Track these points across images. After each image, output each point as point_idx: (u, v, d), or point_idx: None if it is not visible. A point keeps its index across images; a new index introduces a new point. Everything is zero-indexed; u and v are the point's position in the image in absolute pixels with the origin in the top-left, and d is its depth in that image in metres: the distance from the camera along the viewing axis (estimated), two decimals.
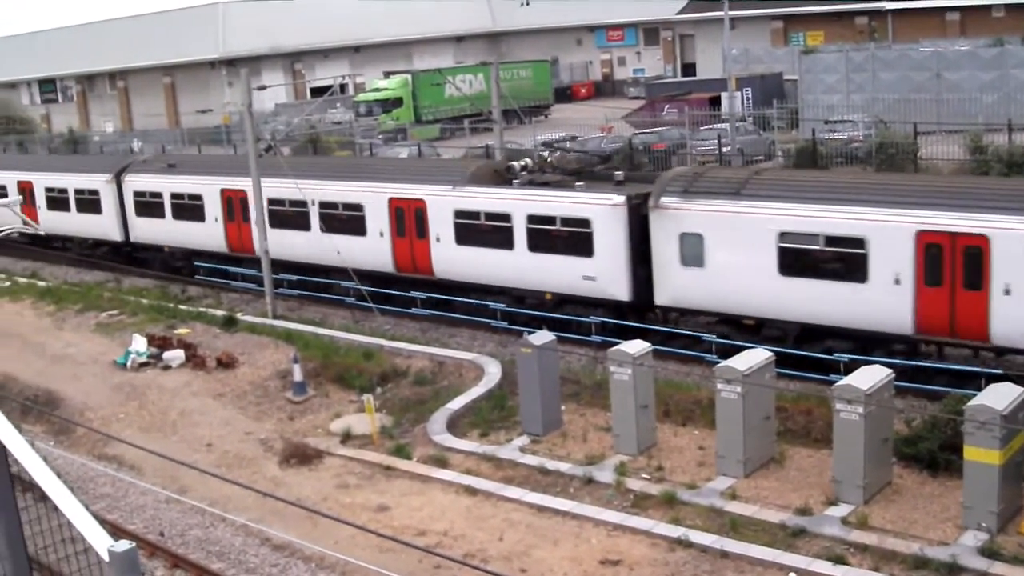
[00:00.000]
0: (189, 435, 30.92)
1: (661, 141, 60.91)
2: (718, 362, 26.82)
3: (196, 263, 48.64)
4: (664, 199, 33.09)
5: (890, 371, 23.35)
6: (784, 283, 30.71)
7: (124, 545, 6.47)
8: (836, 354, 29.41)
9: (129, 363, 36.43)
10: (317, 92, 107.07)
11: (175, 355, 36.40)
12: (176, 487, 26.80)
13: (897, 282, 28.43)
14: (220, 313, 41.05)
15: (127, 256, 52.37)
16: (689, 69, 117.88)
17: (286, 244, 42.94)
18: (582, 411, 29.40)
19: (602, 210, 34.79)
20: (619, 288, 34.66)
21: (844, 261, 29.43)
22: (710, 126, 63.04)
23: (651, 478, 25.02)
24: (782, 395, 26.94)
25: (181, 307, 42.80)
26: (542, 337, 28.31)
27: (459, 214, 38.38)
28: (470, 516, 24.28)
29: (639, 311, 34.93)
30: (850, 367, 26.72)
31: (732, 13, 63.55)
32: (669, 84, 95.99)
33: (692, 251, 32.47)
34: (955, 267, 27.56)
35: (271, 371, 34.67)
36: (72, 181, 55.37)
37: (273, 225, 42.23)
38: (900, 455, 24.06)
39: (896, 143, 51.10)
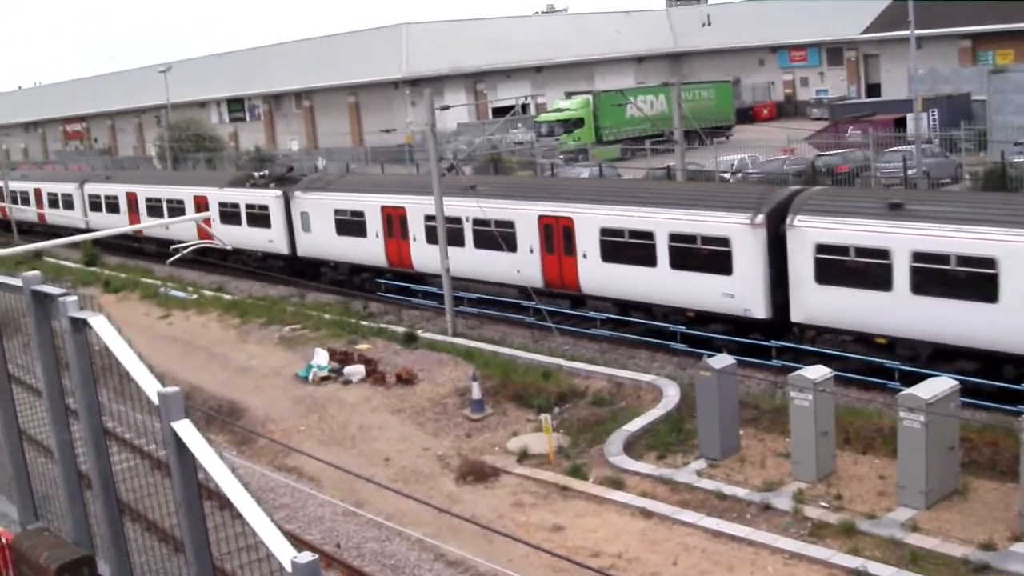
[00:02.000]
0: (368, 449, 31.29)
1: (845, 163, 60.10)
2: (901, 389, 26.30)
3: (378, 279, 49.53)
4: (296, 192, 55.14)
5: None
6: (340, 240, 51.91)
7: (307, 557, 6.55)
8: None
9: (311, 377, 37.02)
10: (499, 112, 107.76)
11: (356, 370, 36.87)
12: (354, 500, 27.14)
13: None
14: (401, 330, 41.50)
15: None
16: (874, 90, 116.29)
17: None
18: (760, 436, 29.06)
19: (271, 199, 56.48)
20: (284, 247, 56.07)
21: (356, 226, 50.56)
22: (895, 148, 62.00)
23: (830, 506, 24.62)
24: (967, 425, 26.26)
25: (363, 323, 43.37)
26: (722, 360, 28.05)
27: (221, 204, 59.82)
28: (645, 539, 24.15)
29: (294, 260, 55.82)
30: None
31: (919, 32, 62.47)
32: (853, 105, 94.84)
33: (306, 223, 54.32)
34: None
35: (450, 388, 34.90)
36: (54, 188, 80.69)
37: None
38: None
39: None
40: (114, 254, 70.02)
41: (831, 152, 65.07)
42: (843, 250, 32.45)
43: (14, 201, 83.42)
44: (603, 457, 28.74)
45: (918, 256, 30.66)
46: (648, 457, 28.67)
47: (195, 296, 51.98)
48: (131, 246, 69.67)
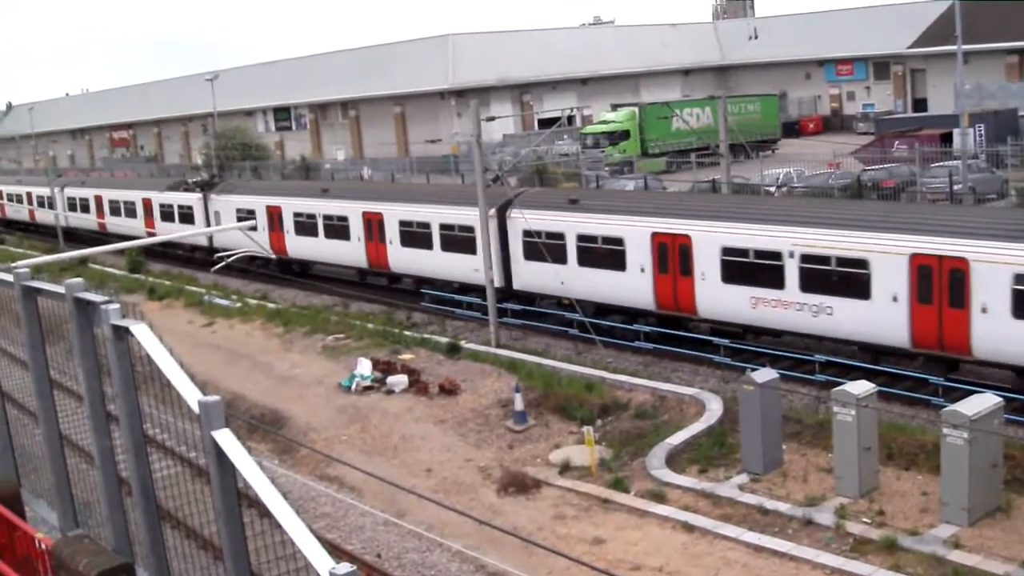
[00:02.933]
0: (410, 460, 31.29)
1: (890, 178, 59.80)
2: (944, 406, 26.12)
3: (422, 290, 49.85)
4: (212, 195, 66.22)
5: None
6: (240, 233, 56.12)
7: (345, 568, 6.55)
8: None
9: (353, 386, 37.07)
10: (545, 123, 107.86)
11: (399, 380, 36.89)
12: (395, 510, 27.14)
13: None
14: (444, 340, 41.48)
15: (67, 233, 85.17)
16: (920, 104, 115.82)
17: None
18: (803, 451, 28.91)
19: (194, 200, 67.64)
20: (203, 239, 64.50)
21: (252, 219, 59.88)
22: (941, 163, 61.68)
23: (872, 522, 24.46)
24: (1011, 442, 26.05)
25: (406, 333, 43.39)
26: (765, 375, 27.94)
27: (161, 205, 72.05)
28: (686, 553, 24.05)
29: (212, 251, 59.93)
30: None
31: (966, 47, 62.17)
32: (899, 120, 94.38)
33: (219, 220, 63.80)
34: None
35: (492, 399, 34.87)
36: (41, 191, 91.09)
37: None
38: None
39: None
40: (158, 261, 72.45)
41: (877, 167, 64.75)
42: (538, 234, 42.76)
43: (9, 201, 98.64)
44: (645, 470, 28.65)
45: (581, 237, 41.50)
46: (690, 471, 28.56)
47: (239, 304, 52.15)
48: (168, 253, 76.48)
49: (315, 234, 57.25)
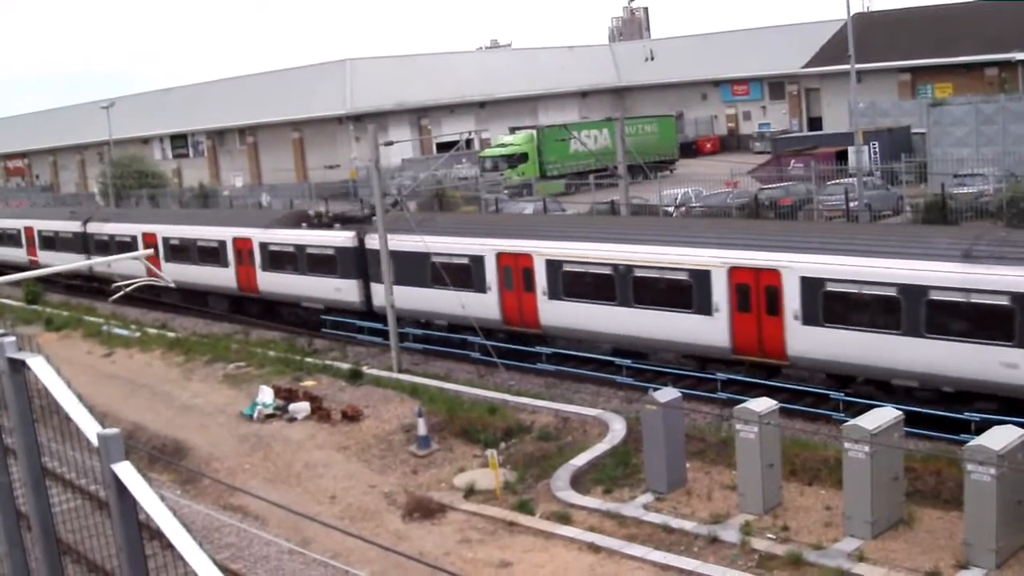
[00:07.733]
0: (313, 487, 31.08)
1: (787, 196, 60.42)
2: (845, 420, 26.38)
3: (322, 316, 49.51)
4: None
5: (1023, 431, 22.75)
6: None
7: None
8: (967, 414, 28.84)
9: (255, 414, 36.76)
10: (443, 147, 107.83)
11: (301, 407, 36.64)
12: (299, 539, 26.93)
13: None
14: (346, 366, 41.31)
15: None
16: (815, 123, 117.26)
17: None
18: (707, 469, 29.07)
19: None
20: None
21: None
22: (837, 181, 62.43)
23: (777, 538, 24.63)
24: (911, 455, 26.37)
25: (307, 360, 43.13)
26: (667, 394, 28.05)
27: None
28: (593, 574, 24.06)
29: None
30: (982, 427, 26.13)
31: (859, 66, 63.00)
32: (795, 138, 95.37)
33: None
34: None
35: (396, 425, 34.75)
36: None
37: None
38: None
39: None
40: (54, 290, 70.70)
41: (774, 185, 65.39)
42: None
43: None
44: (550, 492, 28.65)
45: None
46: (595, 491, 28.62)
47: (138, 334, 51.56)
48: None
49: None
